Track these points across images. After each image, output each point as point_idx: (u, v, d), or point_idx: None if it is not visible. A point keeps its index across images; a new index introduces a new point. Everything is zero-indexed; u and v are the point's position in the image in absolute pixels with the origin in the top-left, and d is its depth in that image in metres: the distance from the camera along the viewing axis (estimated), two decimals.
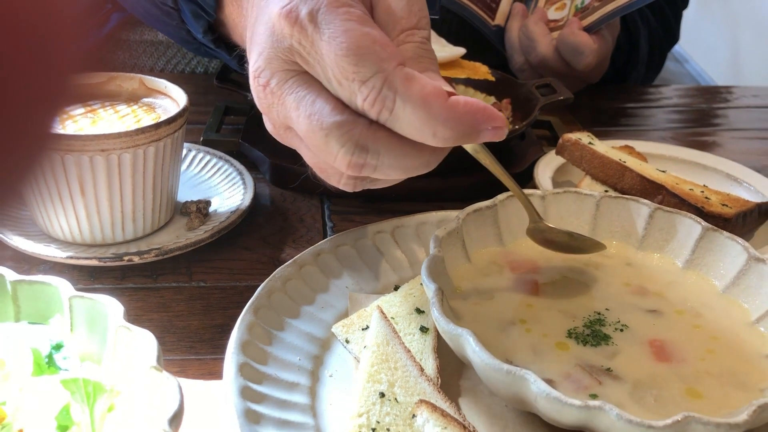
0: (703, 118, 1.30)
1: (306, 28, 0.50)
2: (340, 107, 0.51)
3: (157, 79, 0.82)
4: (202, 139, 0.96)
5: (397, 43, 0.54)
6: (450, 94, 0.50)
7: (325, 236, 0.84)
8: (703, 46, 4.30)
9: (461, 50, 0.95)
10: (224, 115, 1.05)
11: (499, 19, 1.26)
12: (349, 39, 0.49)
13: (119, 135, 0.69)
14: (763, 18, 3.63)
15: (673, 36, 1.50)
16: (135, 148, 0.70)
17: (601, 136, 1.13)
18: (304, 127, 0.52)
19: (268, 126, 0.59)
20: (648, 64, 1.45)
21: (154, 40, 1.30)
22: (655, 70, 1.53)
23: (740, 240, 0.67)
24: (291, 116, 0.53)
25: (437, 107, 0.49)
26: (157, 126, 0.72)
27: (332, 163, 0.54)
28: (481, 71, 0.96)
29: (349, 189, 0.58)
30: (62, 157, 0.68)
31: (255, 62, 0.54)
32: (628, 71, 1.39)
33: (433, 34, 0.98)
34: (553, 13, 1.23)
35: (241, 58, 0.64)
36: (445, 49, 0.94)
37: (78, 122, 0.74)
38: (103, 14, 1.18)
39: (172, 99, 0.80)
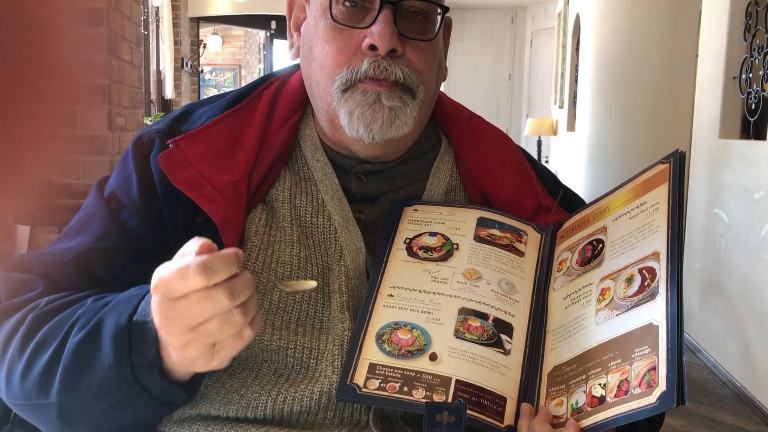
0: None
1: None
2: None
3: None
4: None
5: None
6: None
7: None
8: (713, 339, 4.37)
9: None
10: None
11: (508, 420, 1.32)
12: None
13: None
14: (763, 313, 3.73)
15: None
16: None
17: None
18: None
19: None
20: (650, 425, 1.49)
21: None
22: (658, 423, 1.56)
23: None
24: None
25: None
26: None
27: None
28: None
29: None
30: None
31: None
32: None
33: None
34: (554, 409, 1.29)
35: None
36: None
37: None
38: None
39: None
